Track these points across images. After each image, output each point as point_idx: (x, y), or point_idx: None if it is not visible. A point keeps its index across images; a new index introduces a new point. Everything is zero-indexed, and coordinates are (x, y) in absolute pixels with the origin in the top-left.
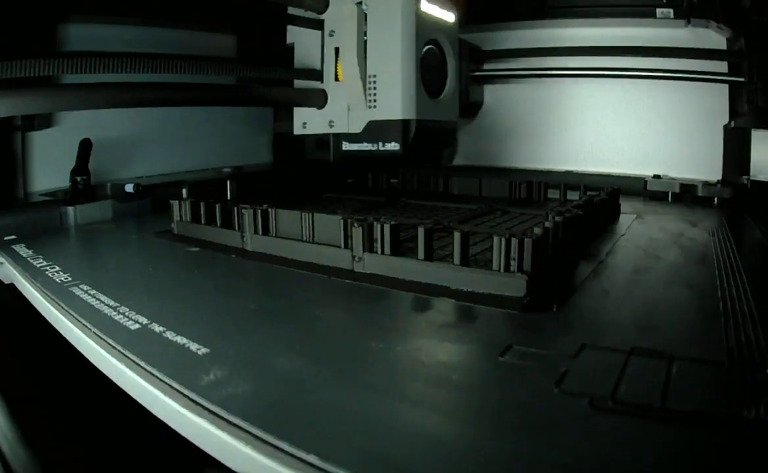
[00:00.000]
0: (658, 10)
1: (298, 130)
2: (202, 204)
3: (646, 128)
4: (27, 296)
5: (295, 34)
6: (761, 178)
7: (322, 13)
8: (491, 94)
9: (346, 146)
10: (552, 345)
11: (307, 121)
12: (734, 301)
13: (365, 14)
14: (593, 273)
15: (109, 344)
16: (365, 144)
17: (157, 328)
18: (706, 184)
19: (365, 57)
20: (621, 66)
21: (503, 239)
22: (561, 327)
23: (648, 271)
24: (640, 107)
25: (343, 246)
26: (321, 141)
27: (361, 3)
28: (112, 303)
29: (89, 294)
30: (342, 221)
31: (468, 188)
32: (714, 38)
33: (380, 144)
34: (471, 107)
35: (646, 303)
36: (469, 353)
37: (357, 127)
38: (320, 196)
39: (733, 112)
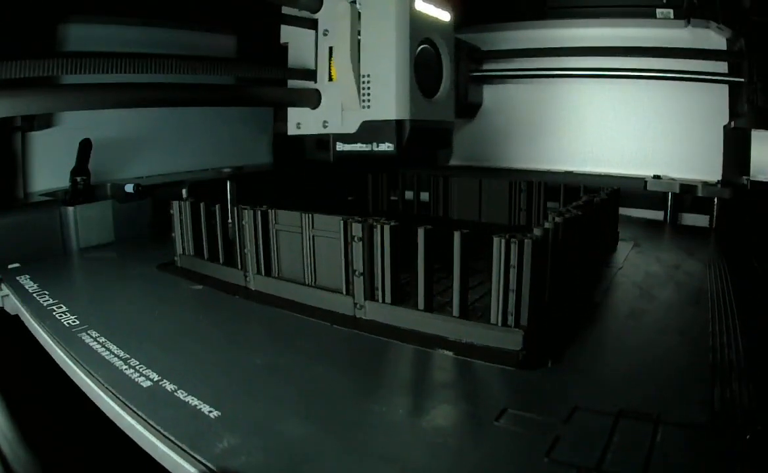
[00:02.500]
0: (658, 11)
1: (292, 131)
2: (204, 235)
3: (646, 128)
4: (37, 338)
5: (288, 34)
6: (761, 178)
7: (316, 12)
8: (491, 94)
9: (340, 147)
10: (546, 407)
11: (301, 122)
12: (724, 349)
13: (359, 13)
14: (589, 317)
15: (125, 404)
16: (359, 144)
17: (169, 386)
18: (706, 184)
19: (359, 56)
20: (621, 66)
21: (501, 294)
22: (555, 386)
23: (642, 315)
24: (640, 107)
25: (345, 292)
26: (321, 141)
27: (355, 2)
28: (122, 354)
29: (98, 342)
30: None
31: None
32: (714, 38)
33: (374, 144)
34: (470, 107)
35: (637, 355)
36: (467, 416)
37: (351, 128)
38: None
39: (733, 112)
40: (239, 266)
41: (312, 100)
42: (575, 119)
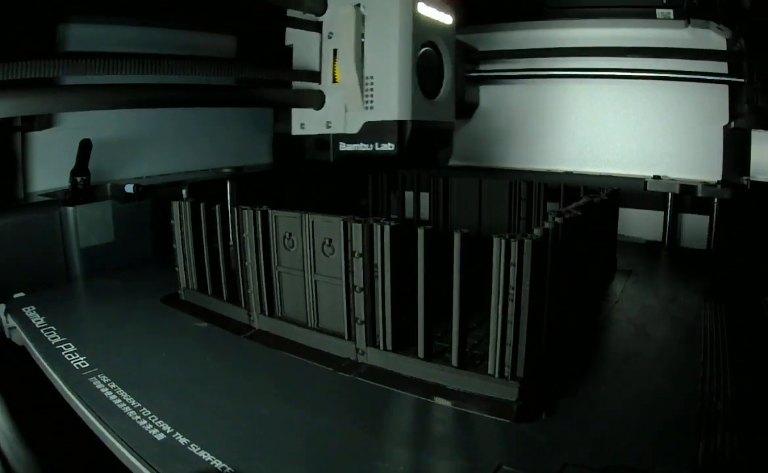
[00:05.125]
0: (658, 11)
1: (296, 131)
2: (207, 268)
3: (646, 129)
4: (49, 379)
5: (293, 36)
6: (761, 178)
7: (320, 15)
8: (490, 94)
9: (343, 147)
10: (539, 462)
11: (305, 122)
12: (712, 397)
13: (363, 16)
14: (584, 360)
15: (142, 458)
16: (362, 144)
17: (182, 440)
18: (705, 184)
19: (362, 58)
20: (621, 66)
21: (499, 334)
22: (548, 440)
23: (636, 357)
24: (639, 108)
25: (347, 338)
26: (321, 141)
27: (359, 5)
28: (133, 403)
29: (109, 389)
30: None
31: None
32: (714, 39)
33: (376, 144)
34: (466, 108)
35: (628, 403)
36: None
37: (354, 128)
38: None
39: (733, 113)
40: (243, 305)
41: (316, 101)
42: (575, 119)
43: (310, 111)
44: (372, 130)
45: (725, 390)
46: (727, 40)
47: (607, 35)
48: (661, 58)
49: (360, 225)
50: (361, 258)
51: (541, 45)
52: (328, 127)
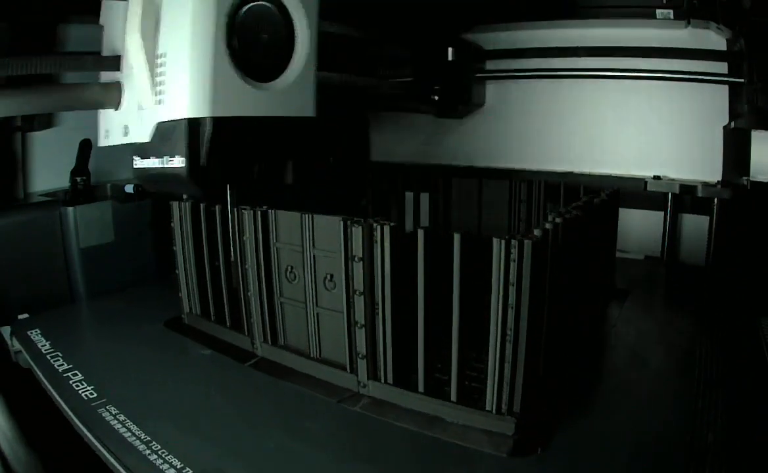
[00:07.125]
0: (658, 11)
1: (102, 141)
2: (209, 293)
3: (646, 129)
4: (59, 409)
5: (105, 12)
6: (761, 178)
7: None
8: (490, 94)
9: (137, 162)
10: None
11: (109, 129)
12: (704, 429)
13: None
14: (580, 390)
15: None
16: (152, 159)
17: None
18: (705, 184)
19: (155, 29)
20: (620, 66)
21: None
22: None
23: (631, 386)
24: (639, 108)
25: (349, 370)
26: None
27: None
28: (143, 436)
29: (118, 421)
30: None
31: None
32: (714, 39)
33: (165, 158)
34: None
35: (621, 437)
36: None
37: (146, 134)
38: None
39: (733, 113)
40: (246, 332)
41: (113, 96)
42: (575, 119)
43: (112, 113)
44: (162, 136)
45: (716, 420)
46: (727, 40)
47: (607, 35)
48: (661, 58)
49: (360, 263)
50: (362, 296)
51: (541, 45)
52: (126, 133)
